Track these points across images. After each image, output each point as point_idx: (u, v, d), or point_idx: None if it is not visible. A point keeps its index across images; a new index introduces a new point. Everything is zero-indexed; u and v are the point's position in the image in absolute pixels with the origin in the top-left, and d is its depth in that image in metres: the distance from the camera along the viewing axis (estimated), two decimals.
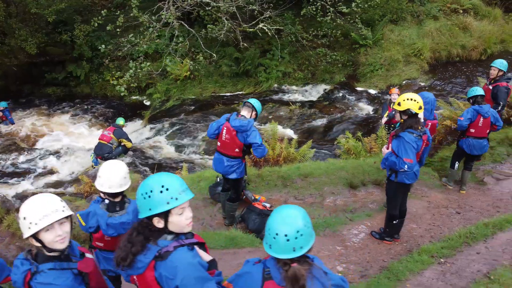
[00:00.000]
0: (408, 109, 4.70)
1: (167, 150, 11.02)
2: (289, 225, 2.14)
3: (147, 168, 9.92)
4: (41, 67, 15.73)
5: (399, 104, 4.77)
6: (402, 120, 4.83)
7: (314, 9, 12.67)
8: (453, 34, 15.42)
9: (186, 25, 12.23)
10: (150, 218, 2.22)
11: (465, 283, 4.45)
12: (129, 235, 2.27)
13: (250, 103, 5.53)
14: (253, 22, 12.54)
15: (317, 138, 10.84)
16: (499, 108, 7.09)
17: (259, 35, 13.28)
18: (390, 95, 8.81)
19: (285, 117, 11.98)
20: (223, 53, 14.83)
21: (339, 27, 14.35)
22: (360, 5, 12.42)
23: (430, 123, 5.87)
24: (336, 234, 5.73)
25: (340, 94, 13.47)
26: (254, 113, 5.53)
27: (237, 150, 5.49)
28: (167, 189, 2.18)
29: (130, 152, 10.56)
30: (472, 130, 6.62)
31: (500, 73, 7.21)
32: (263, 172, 7.23)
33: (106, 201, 3.51)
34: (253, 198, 6.44)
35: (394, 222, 5.33)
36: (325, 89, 14.29)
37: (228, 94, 14.51)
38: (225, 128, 5.52)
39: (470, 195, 7.03)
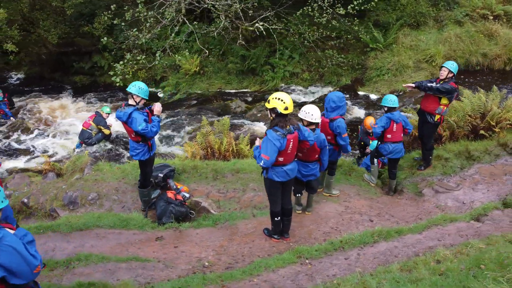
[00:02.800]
0: (275, 107, 4.79)
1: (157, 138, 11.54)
2: None
3: (126, 154, 10.47)
4: (71, 57, 17.00)
5: (268, 101, 4.86)
6: (271, 118, 4.94)
7: (310, 9, 12.59)
8: (474, 41, 14.62)
9: (186, 21, 12.70)
10: None
11: (311, 284, 4.46)
12: None
13: (129, 91, 5.72)
14: (253, 21, 12.73)
15: None
16: (433, 84, 6.95)
17: (271, 34, 13.49)
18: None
19: None
20: (232, 51, 15.13)
21: (350, 29, 14.14)
22: (356, 7, 12.14)
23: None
24: (231, 227, 5.87)
25: None
26: (139, 99, 5.72)
27: (133, 135, 5.79)
28: None
29: (117, 139, 11.20)
30: (389, 136, 6.89)
31: (450, 75, 7.01)
32: (199, 164, 7.48)
33: None
34: (175, 187, 6.72)
35: (276, 219, 5.38)
36: (329, 91, 14.14)
37: (234, 91, 14.81)
38: None
39: (400, 204, 6.84)
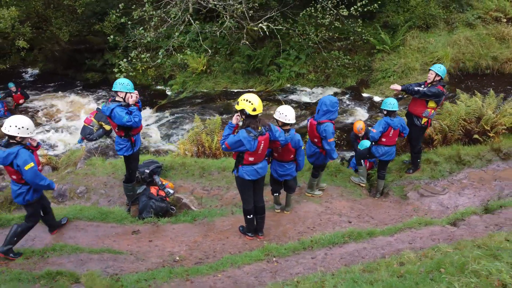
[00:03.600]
0: (243, 109, 4.88)
1: (154, 137, 11.74)
2: None
3: None
4: (83, 54, 17.42)
5: (237, 103, 4.95)
6: (242, 119, 5.03)
7: (313, 10, 12.59)
8: (485, 44, 14.34)
9: (192, 21, 12.87)
10: None
11: (272, 281, 4.52)
12: None
13: (113, 90, 5.87)
14: (257, 22, 12.82)
15: None
16: (420, 88, 6.90)
17: (277, 34, 13.57)
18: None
19: (272, 116, 12.11)
20: (238, 50, 15.24)
21: (355, 30, 14.09)
22: (359, 9, 12.08)
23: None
24: (208, 224, 5.98)
25: (342, 98, 13.27)
26: (123, 94, 5.84)
27: (117, 130, 5.94)
28: None
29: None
30: (384, 140, 6.88)
31: (437, 78, 6.96)
32: (188, 161, 7.62)
33: None
34: (160, 183, 6.87)
35: (248, 217, 5.46)
36: (335, 92, 14.13)
37: (239, 90, 14.91)
38: None
39: (382, 207, 6.83)
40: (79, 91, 16.19)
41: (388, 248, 5.07)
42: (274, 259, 4.96)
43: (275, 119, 5.72)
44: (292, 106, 12.63)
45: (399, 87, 7.03)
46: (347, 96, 13.45)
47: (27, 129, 4.73)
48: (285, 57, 15.08)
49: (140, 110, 5.98)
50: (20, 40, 12.66)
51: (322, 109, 6.13)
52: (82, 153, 8.06)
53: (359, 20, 13.08)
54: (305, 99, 14.00)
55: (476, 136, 8.11)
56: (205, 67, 15.46)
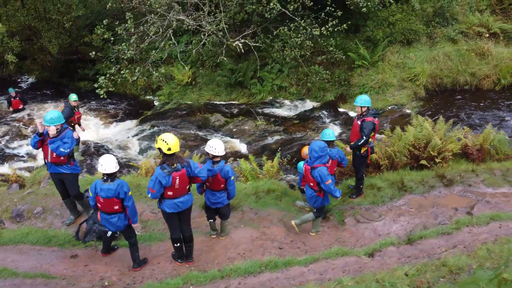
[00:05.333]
0: (160, 148, 5.29)
1: (131, 150, 12.22)
2: None
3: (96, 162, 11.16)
4: (76, 64, 18.04)
5: (156, 141, 5.36)
6: (160, 156, 5.45)
7: (286, 29, 12.90)
8: (464, 60, 14.51)
9: (172, 37, 13.31)
10: None
11: None
12: None
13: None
14: (236, 38, 13.18)
15: (264, 155, 11.17)
16: (362, 140, 7.23)
17: (259, 48, 13.94)
18: None
19: (248, 131, 12.50)
20: (222, 64, 15.62)
21: (329, 49, 14.33)
22: (330, 29, 12.35)
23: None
24: (145, 248, 6.41)
25: (319, 114, 13.58)
26: (59, 126, 6.28)
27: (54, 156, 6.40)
28: None
29: (98, 144, 12.02)
30: None
31: (364, 109, 7.28)
32: (143, 183, 8.05)
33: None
34: None
35: (176, 245, 5.88)
36: (313, 106, 14.45)
37: (222, 102, 15.34)
38: None
39: (319, 233, 7.15)
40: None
41: (300, 278, 5.42)
42: (191, 286, 5.35)
43: (206, 151, 6.10)
44: (268, 120, 13.09)
45: (348, 149, 7.49)
46: (323, 111, 13.74)
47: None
48: (268, 70, 15.43)
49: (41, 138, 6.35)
50: (8, 55, 13.24)
51: (313, 155, 6.37)
52: (45, 172, 8.54)
53: (331, 39, 13.28)
54: (285, 112, 14.32)
55: (423, 161, 8.38)
56: (190, 79, 15.90)
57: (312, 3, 12.19)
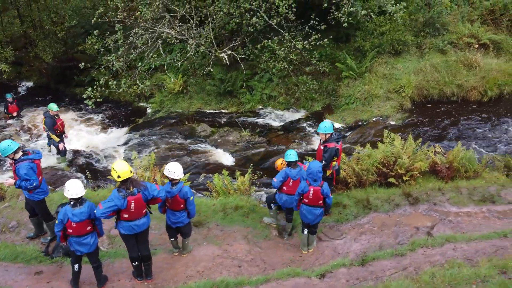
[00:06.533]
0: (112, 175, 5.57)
1: (117, 159, 12.50)
2: None
3: (83, 173, 11.44)
4: (73, 70, 18.42)
5: (114, 169, 5.61)
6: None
7: (270, 42, 13.09)
8: (451, 72, 14.56)
9: (161, 49, 13.60)
10: None
11: None
12: None
13: None
14: (221, 50, 13.41)
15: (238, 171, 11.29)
16: (323, 164, 7.40)
17: (248, 59, 14.20)
18: None
19: (233, 142, 12.71)
20: (212, 73, 15.85)
21: (312, 62, 14.50)
22: (312, 43, 12.51)
23: (312, 189, 6.71)
24: (107, 265, 6.66)
25: (304, 124, 13.76)
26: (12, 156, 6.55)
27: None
28: None
29: (86, 153, 12.34)
30: (285, 188, 7.35)
31: (328, 135, 7.47)
32: None
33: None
34: None
35: (134, 263, 6.14)
36: (301, 117, 14.63)
37: (212, 111, 15.59)
38: None
39: (280, 250, 7.36)
40: (67, 107, 17.10)
41: None
42: None
43: (165, 175, 6.34)
44: (253, 131, 13.30)
45: None
46: (309, 122, 13.92)
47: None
48: (258, 79, 15.63)
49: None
50: (2, 64, 13.62)
51: (319, 176, 6.65)
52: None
53: (315, 52, 13.36)
54: (273, 122, 14.51)
55: (391, 179, 8.54)
56: (181, 87, 16.18)
57: (294, 17, 12.35)
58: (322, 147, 7.60)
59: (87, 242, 5.85)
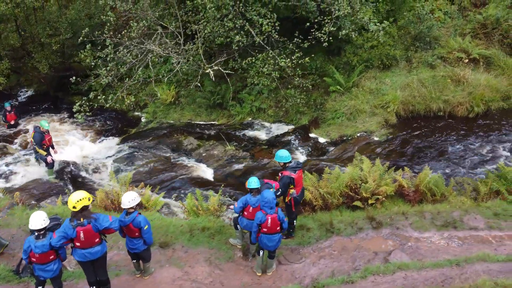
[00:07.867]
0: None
1: (103, 174, 12.83)
2: None
3: (70, 186, 11.84)
4: (70, 80, 18.91)
5: (70, 200, 5.95)
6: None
7: (254, 59, 13.32)
8: (439, 87, 14.64)
9: (150, 64, 13.95)
10: None
11: None
12: None
13: None
14: (210, 65, 13.68)
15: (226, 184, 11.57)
16: (278, 193, 7.63)
17: (237, 71, 14.47)
18: None
19: (217, 156, 13.00)
20: (203, 85, 16.14)
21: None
22: (294, 61, 12.71)
23: (270, 217, 6.94)
24: (72, 286, 7.01)
25: (289, 138, 13.96)
26: None
27: None
28: None
29: (73, 165, 12.73)
30: (246, 213, 7.62)
31: (286, 163, 7.71)
32: None
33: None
34: None
35: None
36: (288, 130, 14.84)
37: (202, 123, 15.89)
38: None
39: (240, 273, 7.60)
40: (64, 115, 17.51)
41: None
42: None
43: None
44: (239, 145, 13.56)
45: None
46: (294, 135, 14.11)
47: None
48: (248, 91, 15.87)
49: None
50: None
51: (274, 205, 6.94)
52: (7, 202, 9.28)
53: (297, 69, 13.50)
54: (259, 135, 14.74)
55: (357, 202, 8.74)
56: (173, 98, 16.51)
57: (278, 36, 12.56)
58: (280, 174, 7.82)
59: (50, 269, 6.19)
